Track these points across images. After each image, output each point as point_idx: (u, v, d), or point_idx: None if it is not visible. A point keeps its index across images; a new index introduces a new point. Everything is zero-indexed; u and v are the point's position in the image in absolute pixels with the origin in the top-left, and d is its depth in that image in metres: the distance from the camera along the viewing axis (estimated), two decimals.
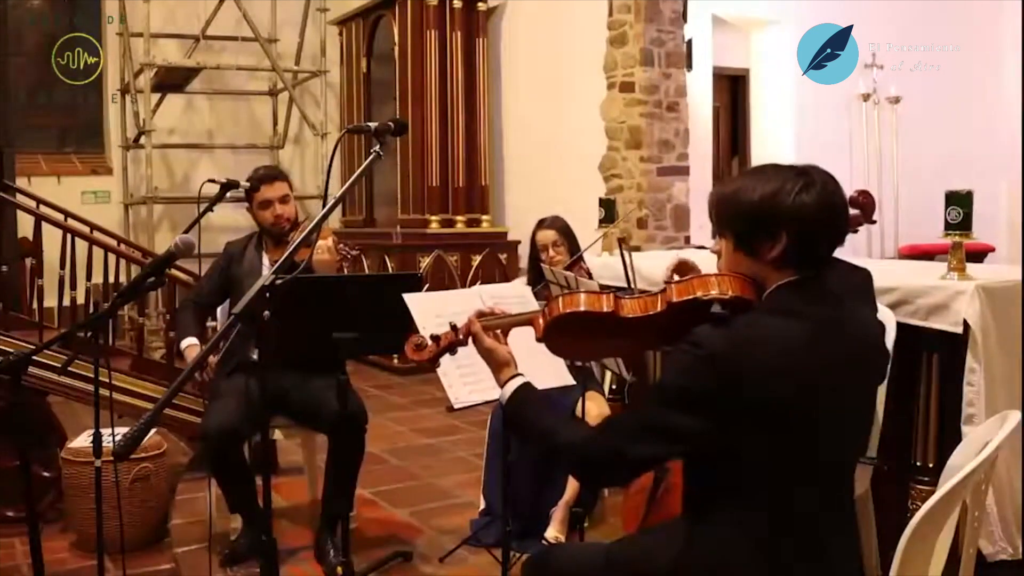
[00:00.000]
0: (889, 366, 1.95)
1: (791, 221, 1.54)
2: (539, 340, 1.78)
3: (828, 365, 1.53)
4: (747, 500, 1.56)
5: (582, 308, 1.72)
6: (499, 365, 1.79)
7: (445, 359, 1.93)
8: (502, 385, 1.77)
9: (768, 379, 1.49)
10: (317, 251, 3.05)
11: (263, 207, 3.28)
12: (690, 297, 1.63)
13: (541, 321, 1.77)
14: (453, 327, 1.88)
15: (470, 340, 1.84)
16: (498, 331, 1.84)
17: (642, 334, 1.73)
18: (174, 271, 4.42)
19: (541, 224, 3.66)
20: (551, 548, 2.59)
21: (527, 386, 1.76)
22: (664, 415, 1.54)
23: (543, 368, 1.87)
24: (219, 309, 3.55)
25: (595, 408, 3.19)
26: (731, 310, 1.59)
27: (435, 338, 1.89)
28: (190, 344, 3.23)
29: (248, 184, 3.28)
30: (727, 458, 1.56)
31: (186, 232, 2.61)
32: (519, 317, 1.86)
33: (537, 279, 3.39)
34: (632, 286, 2.86)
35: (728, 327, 1.53)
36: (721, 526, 1.58)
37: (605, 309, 1.70)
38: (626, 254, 2.94)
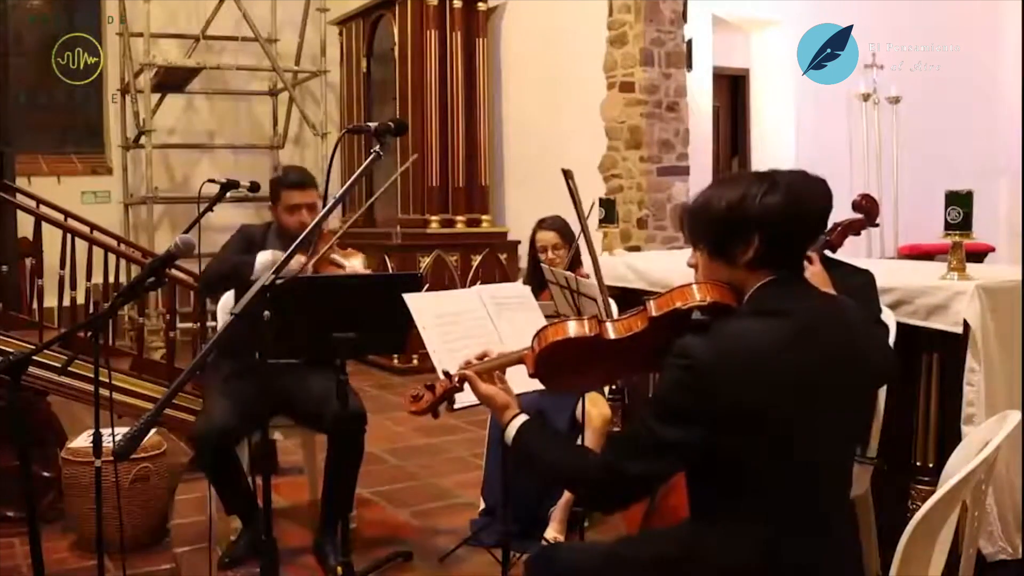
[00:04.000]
0: (893, 365, 1.95)
1: (761, 223, 1.56)
2: (532, 375, 1.79)
3: (813, 361, 1.54)
4: (747, 502, 1.56)
5: (569, 334, 1.72)
6: (499, 408, 1.81)
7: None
8: (504, 427, 1.78)
9: (754, 381, 1.50)
10: (350, 269, 3.05)
11: (290, 211, 3.21)
12: (670, 309, 1.64)
13: (531, 356, 1.77)
14: (447, 375, 1.90)
15: (466, 386, 1.85)
16: (495, 372, 1.85)
17: (631, 354, 1.73)
18: (174, 271, 4.42)
19: (541, 224, 3.64)
20: (553, 547, 2.58)
21: (528, 424, 1.77)
22: (659, 431, 1.55)
23: None
24: (219, 308, 3.55)
25: (596, 410, 3.19)
26: (711, 316, 1.60)
27: (430, 387, 1.91)
28: (272, 252, 3.06)
29: (249, 184, 3.27)
30: (724, 462, 1.56)
31: (186, 232, 2.61)
32: (510, 356, 1.86)
33: (535, 279, 3.37)
34: (584, 229, 2.84)
35: (710, 334, 1.54)
36: (723, 528, 1.58)
37: (588, 333, 1.70)
38: (572, 184, 2.87)
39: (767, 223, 1.56)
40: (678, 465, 1.63)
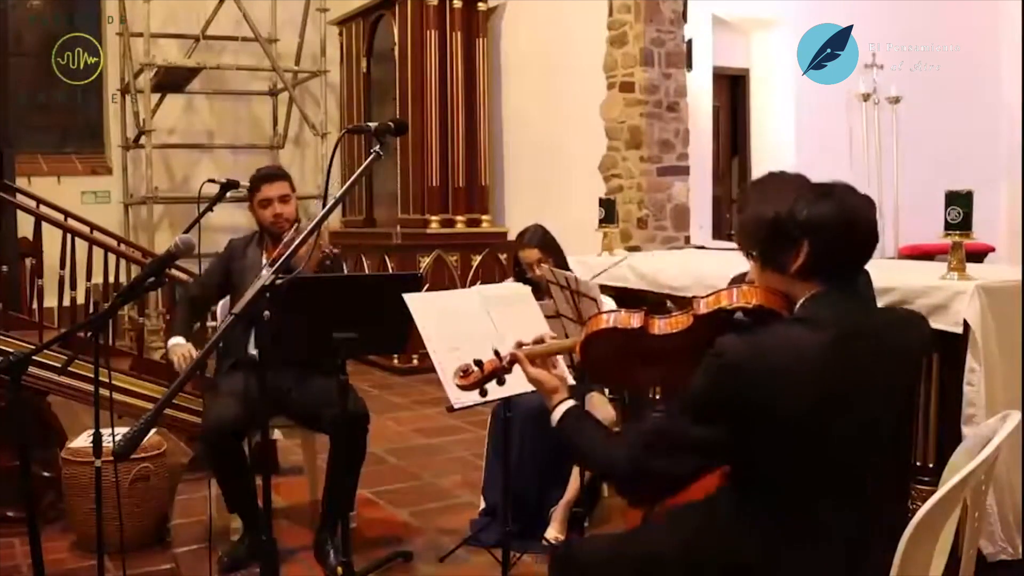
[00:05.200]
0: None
1: (810, 230, 1.55)
2: (579, 364, 1.84)
3: (852, 375, 1.53)
4: (769, 504, 1.57)
5: (612, 325, 1.73)
6: (548, 392, 1.82)
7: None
8: (552, 410, 1.80)
9: (790, 386, 1.49)
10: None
11: (263, 205, 3.30)
12: (715, 309, 1.64)
13: (580, 344, 1.79)
14: (497, 354, 1.90)
15: (515, 367, 1.86)
16: (543, 356, 1.87)
17: (675, 353, 1.72)
18: (174, 271, 4.41)
19: (521, 240, 3.53)
20: (575, 541, 2.57)
21: (572, 410, 1.78)
22: (687, 429, 1.55)
23: None
24: (219, 307, 3.55)
25: (598, 411, 3.19)
26: (755, 319, 1.60)
27: (479, 364, 1.90)
28: (175, 343, 3.22)
29: (248, 184, 3.29)
30: (752, 463, 1.57)
31: (186, 232, 2.61)
32: (563, 344, 1.89)
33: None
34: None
35: (751, 335, 1.54)
36: (744, 524, 1.59)
37: (635, 325, 1.71)
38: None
39: (817, 230, 1.55)
40: (705, 463, 1.62)
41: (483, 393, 1.93)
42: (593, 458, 1.74)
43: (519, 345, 1.88)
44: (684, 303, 1.79)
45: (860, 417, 1.55)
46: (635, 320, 1.72)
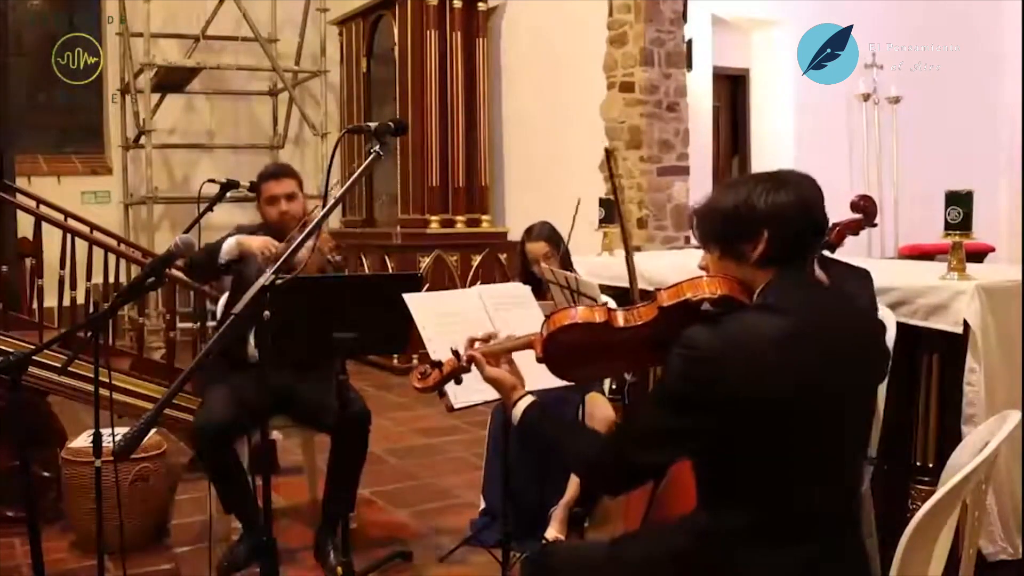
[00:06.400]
0: (889, 365, 1.96)
1: (769, 219, 1.58)
2: (539, 360, 1.80)
3: (817, 359, 1.55)
4: (749, 497, 1.57)
5: (577, 320, 1.73)
6: (506, 390, 1.83)
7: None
8: (511, 408, 1.80)
9: (761, 374, 1.51)
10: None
11: (269, 203, 3.25)
12: (680, 299, 1.64)
13: (539, 340, 1.78)
14: (456, 353, 1.89)
15: (473, 367, 1.87)
16: (500, 355, 1.87)
17: (639, 345, 1.73)
18: (174, 271, 4.41)
19: (529, 235, 3.56)
20: (550, 546, 2.58)
21: (534, 405, 1.79)
22: (666, 420, 1.57)
23: (542, 368, 1.88)
24: (219, 308, 3.55)
25: (599, 412, 3.19)
26: (721, 309, 1.61)
27: (438, 365, 1.90)
28: (239, 238, 3.12)
29: (249, 184, 3.28)
30: (727, 455, 1.57)
31: (186, 232, 2.62)
32: (519, 340, 1.87)
33: (529, 285, 3.34)
34: (633, 295, 2.85)
35: (718, 325, 1.55)
36: (727, 522, 1.59)
37: (598, 320, 1.71)
38: (632, 258, 2.92)
39: (776, 219, 1.58)
40: (684, 453, 1.65)
41: (442, 394, 1.95)
42: (570, 454, 1.75)
43: (472, 343, 1.88)
44: (647, 295, 1.79)
45: (835, 401, 1.57)
46: (597, 315, 1.72)
